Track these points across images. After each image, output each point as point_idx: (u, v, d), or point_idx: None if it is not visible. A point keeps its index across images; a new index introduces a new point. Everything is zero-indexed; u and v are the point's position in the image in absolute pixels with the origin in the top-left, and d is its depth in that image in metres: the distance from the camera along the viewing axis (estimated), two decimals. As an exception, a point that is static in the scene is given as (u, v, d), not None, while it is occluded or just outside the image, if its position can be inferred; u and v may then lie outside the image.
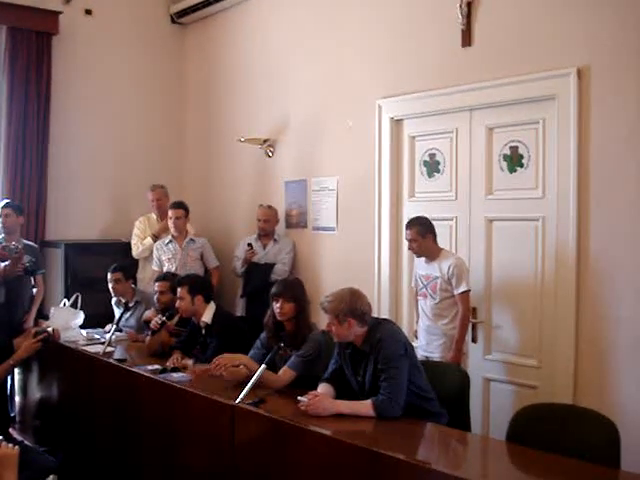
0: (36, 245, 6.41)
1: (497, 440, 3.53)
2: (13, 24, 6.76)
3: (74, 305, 5.86)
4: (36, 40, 6.89)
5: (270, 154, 6.76)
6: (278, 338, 4.22)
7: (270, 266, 6.23)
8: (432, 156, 5.37)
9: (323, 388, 3.74)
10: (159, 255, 6.48)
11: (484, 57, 4.88)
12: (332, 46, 6.09)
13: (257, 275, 6.21)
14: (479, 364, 4.96)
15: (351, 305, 3.65)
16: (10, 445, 2.78)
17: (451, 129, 5.22)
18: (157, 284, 5.54)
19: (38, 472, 4.36)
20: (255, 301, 6.04)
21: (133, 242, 6.84)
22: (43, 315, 6.27)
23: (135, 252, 6.79)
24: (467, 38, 4.96)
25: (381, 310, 5.50)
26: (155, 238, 6.65)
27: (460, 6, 4.92)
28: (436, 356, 4.74)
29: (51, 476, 4.50)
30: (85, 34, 7.29)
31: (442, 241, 4.99)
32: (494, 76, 4.80)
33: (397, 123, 5.59)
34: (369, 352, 3.65)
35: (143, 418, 4.51)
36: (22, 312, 6.11)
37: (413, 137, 5.52)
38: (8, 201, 6.25)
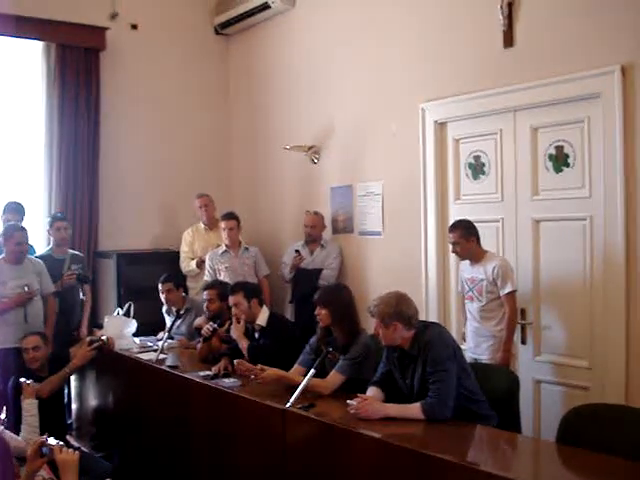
0: (83, 254, 6.56)
1: (547, 441, 3.52)
2: (62, 41, 6.92)
3: (127, 314, 5.98)
4: (84, 56, 7.05)
5: (315, 160, 6.81)
6: (327, 343, 4.26)
7: (317, 272, 6.28)
8: (477, 158, 5.36)
9: (372, 392, 3.77)
10: (213, 265, 6.56)
11: (526, 57, 4.86)
12: (374, 51, 6.12)
13: (305, 281, 6.25)
14: (529, 365, 4.93)
15: (397, 309, 3.67)
16: (70, 450, 2.86)
17: (495, 130, 5.20)
18: (206, 292, 5.61)
19: (95, 477, 4.47)
20: (303, 307, 6.08)
21: (181, 257, 6.97)
22: (97, 324, 6.41)
23: (184, 269, 6.90)
24: (509, 39, 4.94)
25: (429, 313, 5.50)
26: (201, 263, 6.74)
27: (501, 7, 4.91)
28: (485, 358, 4.73)
29: (106, 480, 4.61)
30: (131, 48, 7.43)
31: (489, 243, 4.99)
32: (537, 76, 4.77)
33: (441, 126, 5.59)
34: (417, 355, 3.66)
35: (195, 423, 4.59)
36: (76, 321, 6.25)
37: (457, 139, 5.51)
38: (60, 214, 6.41)
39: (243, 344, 4.85)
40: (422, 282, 5.65)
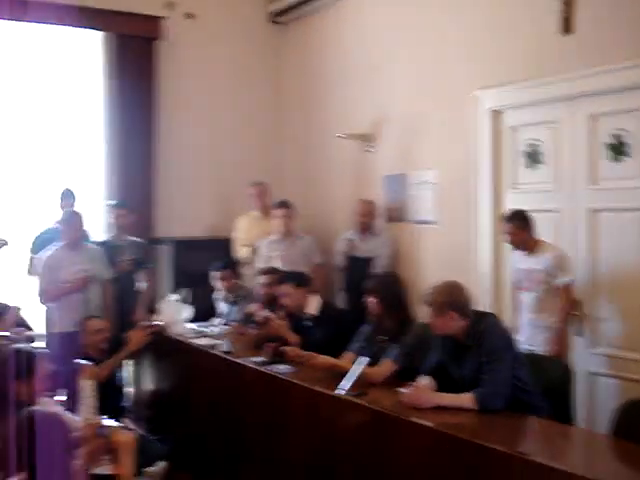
0: (143, 241, 6.66)
1: (601, 434, 3.48)
2: (120, 31, 7.06)
3: (182, 300, 6.07)
4: (141, 45, 7.18)
5: (369, 149, 6.80)
6: (378, 331, 4.26)
7: (369, 260, 6.27)
8: (533, 146, 5.28)
9: (424, 381, 3.75)
10: (266, 252, 6.60)
11: (585, 44, 4.76)
12: (429, 39, 6.07)
13: (356, 269, 6.25)
14: (584, 358, 4.85)
15: (452, 298, 3.66)
16: (127, 432, 2.92)
17: (552, 119, 5.12)
18: (262, 277, 5.67)
19: (150, 459, 4.56)
20: (355, 295, 6.08)
21: (235, 244, 7.03)
22: (152, 309, 6.51)
23: (237, 256, 6.95)
24: (567, 25, 4.85)
25: (482, 304, 5.44)
26: (254, 250, 6.78)
27: (560, -7, 4.83)
28: (540, 350, 4.67)
29: (162, 463, 4.69)
30: (187, 37, 7.51)
31: (545, 233, 4.91)
32: (596, 63, 4.68)
33: (496, 114, 5.52)
34: (471, 345, 3.64)
35: (247, 408, 4.65)
36: (132, 307, 6.36)
37: (513, 128, 5.44)
38: (120, 201, 6.54)
39: (291, 339, 4.84)
40: (475, 272, 5.60)
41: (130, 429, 3.09)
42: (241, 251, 6.94)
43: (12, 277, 6.30)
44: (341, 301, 6.48)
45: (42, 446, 2.47)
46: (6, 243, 5.84)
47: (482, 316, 3.76)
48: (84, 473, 2.88)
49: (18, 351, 3.50)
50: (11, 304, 5.56)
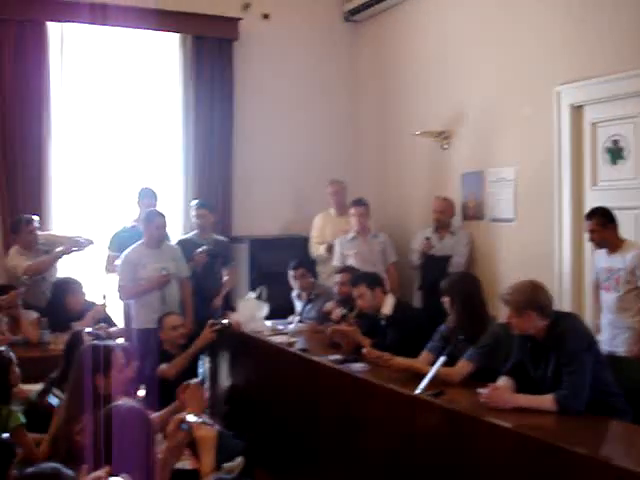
0: (225, 239, 6.78)
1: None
2: (197, 33, 7.20)
3: (259, 297, 6.13)
4: (218, 47, 7.31)
5: (445, 146, 6.75)
6: (456, 331, 4.23)
7: (446, 258, 6.22)
8: (615, 142, 5.16)
9: (503, 381, 3.71)
10: (342, 250, 6.61)
11: (671, 36, 4.63)
12: (508, 33, 5.99)
13: (433, 268, 6.20)
14: (668, 359, 4.72)
15: (531, 298, 3.60)
16: (209, 427, 2.96)
17: (635, 113, 4.99)
18: (339, 276, 5.70)
19: (227, 454, 4.62)
20: (432, 294, 6.03)
21: (311, 242, 7.08)
22: (230, 307, 6.62)
23: (313, 254, 7.01)
24: (650, 18, 4.72)
25: (562, 304, 5.34)
26: (330, 248, 6.80)
27: (644, -16, 4.71)
28: (621, 350, 4.57)
29: (239, 458, 4.75)
30: (263, 38, 7.60)
31: (626, 231, 4.80)
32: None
33: (577, 109, 5.42)
34: (551, 346, 3.58)
35: (323, 406, 4.67)
36: (210, 303, 6.46)
37: (594, 123, 5.33)
38: (202, 201, 6.65)
39: (365, 343, 4.80)
40: (556, 271, 5.51)
41: (211, 424, 3.12)
42: (317, 249, 6.98)
43: (92, 274, 6.53)
44: (418, 300, 6.45)
45: (122, 440, 2.54)
46: (92, 242, 6.03)
47: (563, 316, 3.70)
48: (167, 468, 2.94)
49: (96, 346, 3.57)
50: (99, 301, 5.74)
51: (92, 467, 2.45)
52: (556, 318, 3.63)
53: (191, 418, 2.98)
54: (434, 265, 6.23)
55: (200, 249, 6.20)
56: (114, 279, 6.05)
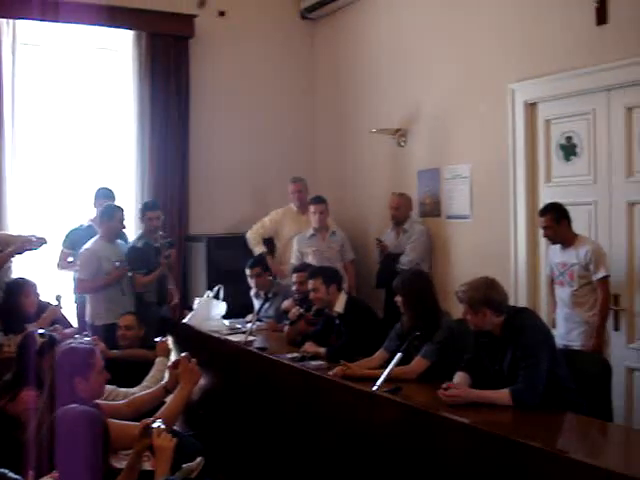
0: (165, 234, 6.45)
1: (639, 430, 3.43)
2: (152, 30, 7.09)
3: (216, 296, 6.10)
4: (174, 44, 7.21)
5: (402, 144, 6.77)
6: (411, 328, 4.23)
7: (397, 256, 6.24)
8: (569, 139, 5.22)
9: (460, 377, 3.74)
10: (300, 248, 6.61)
11: (620, 34, 4.69)
12: (462, 31, 6.02)
13: (386, 266, 6.24)
14: (622, 353, 4.79)
15: (486, 295, 3.63)
16: (169, 436, 2.92)
17: (588, 110, 5.05)
18: (295, 275, 5.69)
19: (186, 455, 4.59)
20: (389, 291, 6.06)
21: (257, 225, 6.99)
22: (187, 306, 6.56)
23: (250, 234, 6.93)
24: (602, 16, 4.77)
25: (518, 299, 5.40)
26: (268, 251, 6.81)
27: (594, -17, 4.76)
28: (576, 345, 4.62)
29: (198, 458, 4.71)
30: (219, 35, 7.54)
31: (581, 227, 4.86)
32: (632, 53, 4.60)
33: (531, 107, 5.47)
34: (507, 341, 3.62)
35: (282, 404, 4.67)
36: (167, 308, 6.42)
37: (548, 120, 5.38)
38: (155, 202, 6.53)
39: (320, 352, 4.78)
40: (511, 267, 5.56)
41: (171, 431, 3.11)
42: (255, 240, 6.91)
43: (46, 273, 6.42)
44: (382, 298, 6.42)
45: (71, 444, 2.51)
46: (45, 241, 5.93)
47: (518, 312, 3.75)
48: (134, 471, 2.93)
49: (76, 348, 3.50)
50: (53, 302, 5.65)
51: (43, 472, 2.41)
52: (512, 314, 3.67)
53: (156, 424, 2.96)
54: (386, 263, 6.25)
55: (166, 252, 6.10)
56: (66, 276, 6.05)
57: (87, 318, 5.91)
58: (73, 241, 6.19)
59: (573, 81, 5.06)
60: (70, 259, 6.17)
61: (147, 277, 5.99)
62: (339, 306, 4.98)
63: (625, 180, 4.81)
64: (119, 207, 5.99)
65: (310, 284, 5.03)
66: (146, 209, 6.27)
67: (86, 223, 6.40)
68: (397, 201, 6.37)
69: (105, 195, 6.35)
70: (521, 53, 5.46)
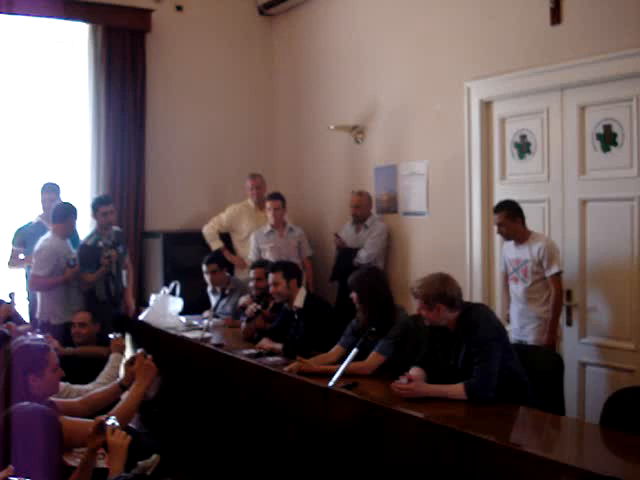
0: (120, 228, 6.50)
1: (591, 424, 3.50)
2: (108, 23, 7.00)
3: (173, 293, 6.06)
4: (130, 38, 7.13)
5: (360, 140, 6.79)
6: (365, 325, 4.26)
7: (355, 250, 6.26)
8: (523, 137, 5.29)
9: (415, 371, 3.77)
10: (258, 245, 6.60)
11: (574, 34, 4.76)
12: (419, 29, 6.05)
13: (343, 260, 6.27)
14: (574, 347, 4.87)
15: (440, 290, 3.67)
16: (123, 433, 2.91)
17: (542, 109, 5.12)
18: (253, 271, 5.67)
19: (141, 452, 4.56)
20: (345, 287, 6.09)
21: (213, 220, 6.99)
22: (143, 303, 6.51)
23: (206, 229, 6.94)
24: (556, 15, 4.83)
25: (473, 294, 5.46)
26: (224, 250, 6.81)
27: (548, -17, 4.83)
28: (529, 340, 4.69)
29: (154, 456, 4.69)
30: (176, 30, 7.48)
31: (534, 223, 4.93)
32: (585, 53, 4.68)
33: (487, 105, 5.52)
34: (462, 336, 3.66)
35: (239, 400, 4.67)
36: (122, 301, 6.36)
37: (503, 118, 5.44)
38: (106, 197, 6.41)
39: (277, 348, 4.82)
40: (466, 263, 5.62)
41: (127, 429, 3.09)
42: (211, 236, 6.92)
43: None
44: (335, 292, 6.45)
45: (24, 441, 2.48)
46: None
47: (473, 307, 3.80)
48: (88, 469, 2.90)
49: (30, 345, 3.47)
50: (6, 299, 5.56)
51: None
52: (466, 309, 3.72)
53: (110, 422, 2.94)
54: (344, 257, 6.28)
55: (106, 253, 5.99)
56: (17, 274, 6.02)
57: (39, 315, 5.84)
58: (23, 239, 6.11)
59: (527, 80, 5.12)
60: (21, 256, 6.08)
61: (90, 276, 5.93)
62: (299, 301, 5.00)
63: (578, 178, 4.88)
64: (71, 205, 5.92)
65: (270, 278, 5.03)
66: (98, 204, 6.13)
67: (35, 220, 6.30)
68: (357, 199, 6.39)
69: (49, 188, 6.27)
70: (477, 52, 5.51)
